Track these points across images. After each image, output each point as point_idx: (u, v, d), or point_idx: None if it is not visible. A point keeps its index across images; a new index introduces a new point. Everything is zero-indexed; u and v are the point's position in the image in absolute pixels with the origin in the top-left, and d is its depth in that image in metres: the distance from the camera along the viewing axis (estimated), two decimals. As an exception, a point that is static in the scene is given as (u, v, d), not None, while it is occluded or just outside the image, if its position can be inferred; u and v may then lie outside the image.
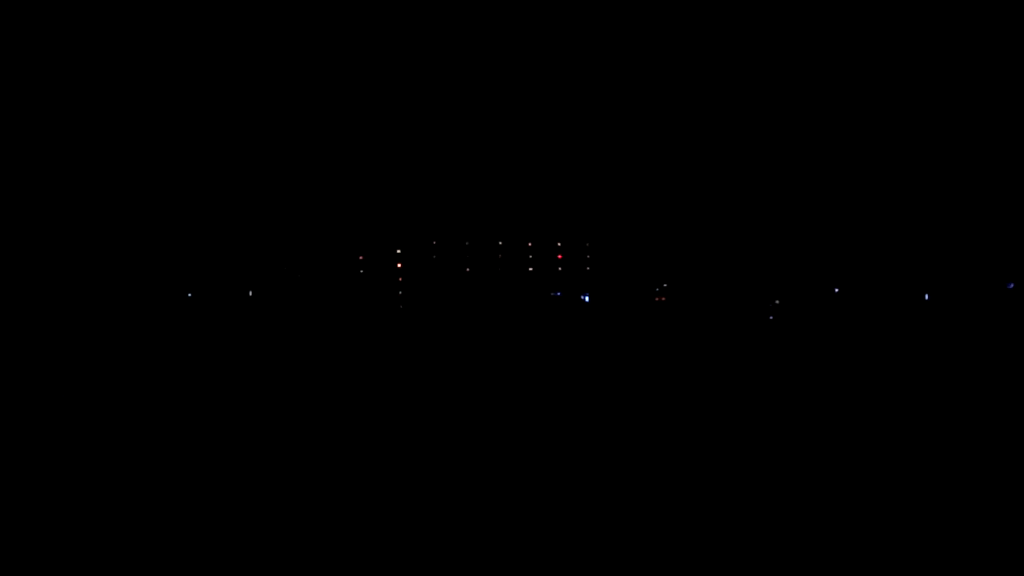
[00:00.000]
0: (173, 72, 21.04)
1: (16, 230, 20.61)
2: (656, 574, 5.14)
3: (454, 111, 23.67)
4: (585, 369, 15.96)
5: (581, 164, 26.36)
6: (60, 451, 8.45)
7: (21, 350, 17.65)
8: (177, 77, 21.48)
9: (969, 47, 18.97)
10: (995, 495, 6.24)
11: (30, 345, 17.86)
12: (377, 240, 28.76)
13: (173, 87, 21.74)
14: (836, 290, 20.98)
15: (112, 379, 14.03)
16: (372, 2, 20.59)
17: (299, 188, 25.20)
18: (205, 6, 19.27)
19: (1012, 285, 22.30)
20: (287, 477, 7.28)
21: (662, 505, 6.26)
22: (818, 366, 14.72)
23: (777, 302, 20.68)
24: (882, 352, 16.49)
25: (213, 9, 19.06)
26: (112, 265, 21.95)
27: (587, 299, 24.43)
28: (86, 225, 22.48)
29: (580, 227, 29.47)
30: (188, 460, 8.10)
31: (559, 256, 30.53)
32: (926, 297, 23.96)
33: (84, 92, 20.33)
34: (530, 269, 31.10)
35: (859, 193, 24.18)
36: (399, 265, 29.70)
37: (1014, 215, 22.43)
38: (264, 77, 22.97)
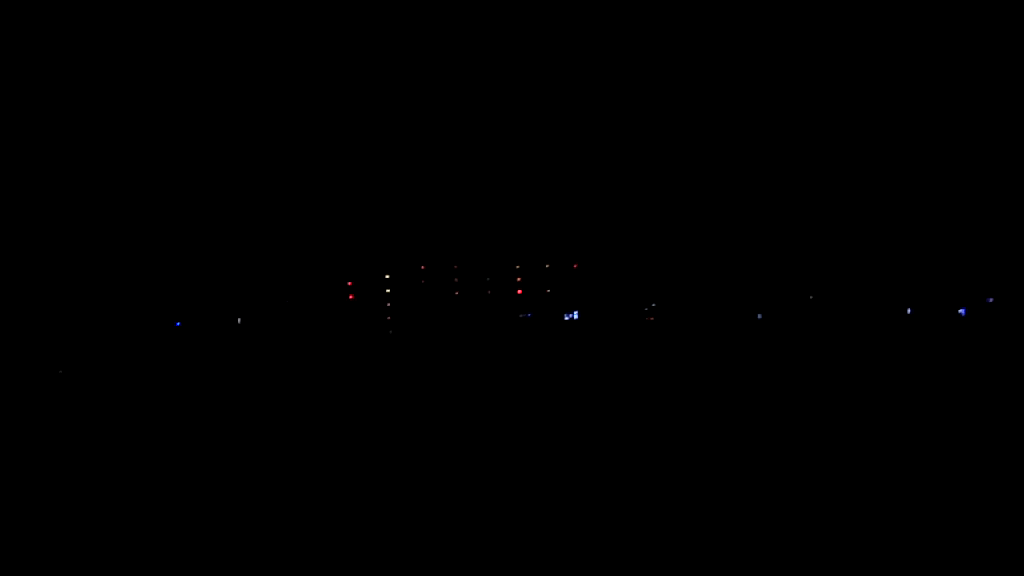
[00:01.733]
0: (144, 98, 21.02)
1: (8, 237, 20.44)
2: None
3: (438, 131, 23.79)
4: (574, 388, 15.98)
5: (565, 184, 26.50)
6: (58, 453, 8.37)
7: (20, 352, 17.40)
8: (147, 105, 21.45)
9: (965, 60, 19.37)
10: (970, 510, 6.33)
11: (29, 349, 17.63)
12: (366, 265, 28.78)
13: (142, 117, 21.70)
14: (811, 297, 21.38)
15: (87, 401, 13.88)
16: (347, 39, 20.77)
17: (281, 210, 25.18)
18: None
19: (991, 299, 22.51)
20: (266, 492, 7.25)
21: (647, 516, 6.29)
22: (806, 385, 14.84)
23: (760, 316, 20.91)
24: (866, 366, 16.65)
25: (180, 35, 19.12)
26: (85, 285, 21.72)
27: (574, 316, 24.49)
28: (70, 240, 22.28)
29: (567, 245, 29.64)
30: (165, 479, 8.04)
31: (546, 265, 30.63)
32: (908, 311, 24.22)
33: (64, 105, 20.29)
34: (519, 292, 31.21)
35: (847, 212, 24.45)
36: (388, 291, 29.71)
37: (995, 231, 22.75)
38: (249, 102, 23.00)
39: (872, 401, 11.67)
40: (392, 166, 21.93)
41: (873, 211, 19.94)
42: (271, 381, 16.94)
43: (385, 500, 7.18)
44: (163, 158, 20.49)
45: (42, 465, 9.17)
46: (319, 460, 8.60)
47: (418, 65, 19.18)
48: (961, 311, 21.15)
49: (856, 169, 19.92)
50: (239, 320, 19.07)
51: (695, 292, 20.37)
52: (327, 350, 20.14)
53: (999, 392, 11.81)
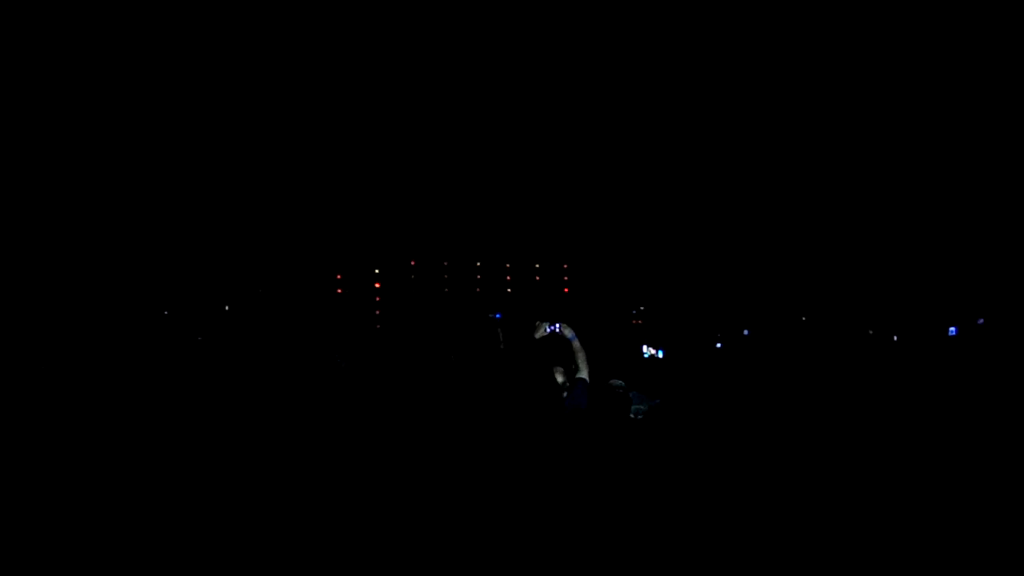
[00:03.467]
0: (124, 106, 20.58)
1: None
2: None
3: (422, 142, 23.68)
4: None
5: (549, 190, 26.49)
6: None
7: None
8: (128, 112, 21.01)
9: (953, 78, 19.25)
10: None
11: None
12: (356, 259, 28.74)
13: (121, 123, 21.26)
14: (804, 317, 21.29)
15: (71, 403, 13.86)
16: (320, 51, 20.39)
17: (273, 209, 25.09)
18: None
19: (955, 331, 22.30)
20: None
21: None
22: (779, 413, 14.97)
23: (746, 332, 20.93)
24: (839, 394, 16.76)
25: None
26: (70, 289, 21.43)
27: (559, 327, 24.42)
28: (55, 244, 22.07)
29: (557, 245, 29.72)
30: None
31: (537, 277, 30.67)
32: (894, 338, 24.13)
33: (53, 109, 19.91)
34: (508, 289, 31.19)
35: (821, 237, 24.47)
36: (377, 285, 29.66)
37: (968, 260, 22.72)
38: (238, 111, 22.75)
39: (842, 439, 11.78)
40: (386, 168, 21.94)
41: (851, 238, 20.00)
42: (248, 379, 16.92)
43: (359, 503, 7.27)
44: (140, 168, 20.30)
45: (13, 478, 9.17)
46: (292, 461, 8.67)
47: (413, 69, 19.14)
48: (951, 330, 21.07)
49: (837, 193, 19.97)
50: (226, 307, 19.12)
51: (679, 304, 20.43)
52: (310, 346, 20.11)
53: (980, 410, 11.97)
